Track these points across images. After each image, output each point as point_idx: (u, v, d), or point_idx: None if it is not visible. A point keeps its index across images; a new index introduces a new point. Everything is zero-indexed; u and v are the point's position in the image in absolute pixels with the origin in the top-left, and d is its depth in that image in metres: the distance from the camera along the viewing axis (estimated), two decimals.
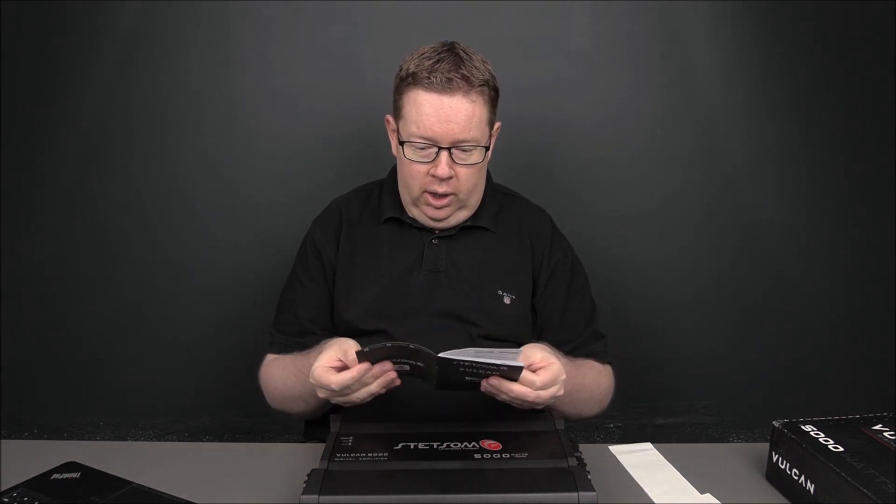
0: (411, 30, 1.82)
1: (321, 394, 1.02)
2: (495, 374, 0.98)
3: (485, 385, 0.99)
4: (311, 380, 1.01)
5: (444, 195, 1.19)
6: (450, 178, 1.17)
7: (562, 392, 1.03)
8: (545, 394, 0.99)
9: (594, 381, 1.23)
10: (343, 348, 1.02)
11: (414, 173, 1.19)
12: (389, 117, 1.24)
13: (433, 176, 1.17)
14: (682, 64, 1.96)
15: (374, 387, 1.00)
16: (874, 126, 1.99)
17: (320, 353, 1.04)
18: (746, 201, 2.02)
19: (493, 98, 1.19)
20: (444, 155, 1.15)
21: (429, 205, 1.21)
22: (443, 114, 1.13)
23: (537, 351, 1.03)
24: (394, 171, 1.29)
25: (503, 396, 1.01)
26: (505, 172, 1.42)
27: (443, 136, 1.14)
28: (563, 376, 1.02)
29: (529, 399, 0.99)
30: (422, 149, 1.16)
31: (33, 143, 1.97)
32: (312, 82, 1.95)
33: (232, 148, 1.99)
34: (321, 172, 1.96)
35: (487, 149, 1.19)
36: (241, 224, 2.01)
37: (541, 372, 1.00)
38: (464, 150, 1.16)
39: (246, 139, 1.98)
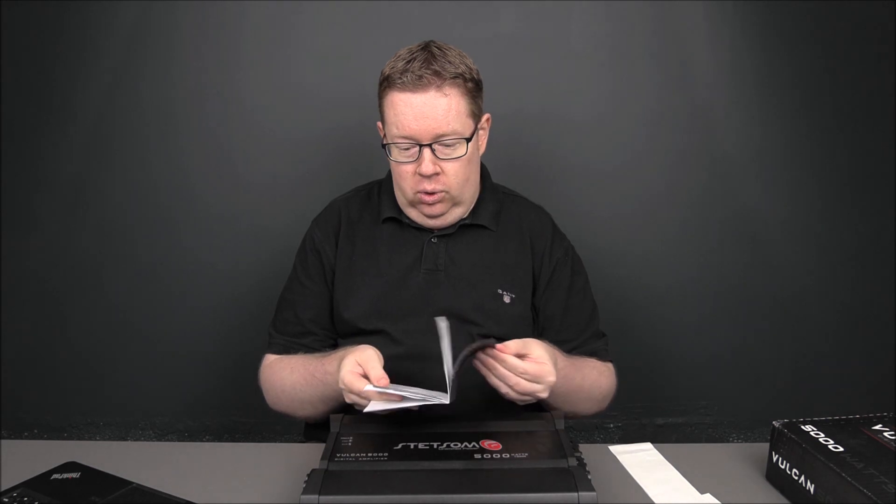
0: (412, 30, 1.81)
1: (348, 398, 1.05)
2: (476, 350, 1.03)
3: (478, 360, 1.05)
4: (340, 384, 1.04)
5: (435, 192, 1.19)
6: (437, 174, 1.17)
7: (545, 395, 1.06)
8: (526, 385, 1.03)
9: (594, 381, 1.24)
10: (365, 356, 1.04)
11: (403, 174, 1.20)
12: (380, 124, 1.25)
13: (420, 175, 1.17)
14: (680, 62, 1.96)
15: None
16: (873, 124, 1.99)
17: (342, 359, 1.06)
18: (746, 201, 2.02)
19: (473, 90, 1.19)
20: (426, 152, 1.16)
21: (423, 203, 1.21)
22: (418, 111, 1.14)
23: (537, 349, 1.05)
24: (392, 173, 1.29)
25: (493, 379, 1.05)
26: (502, 171, 1.41)
27: (422, 134, 1.15)
28: (551, 378, 1.05)
29: (511, 382, 1.03)
30: (405, 149, 1.17)
31: (34, 142, 1.97)
32: (313, 81, 1.95)
33: (232, 149, 1.99)
34: (322, 172, 1.96)
35: (469, 140, 1.19)
36: (241, 224, 2.01)
37: (528, 362, 1.03)
38: (446, 145, 1.16)
39: (246, 140, 1.98)
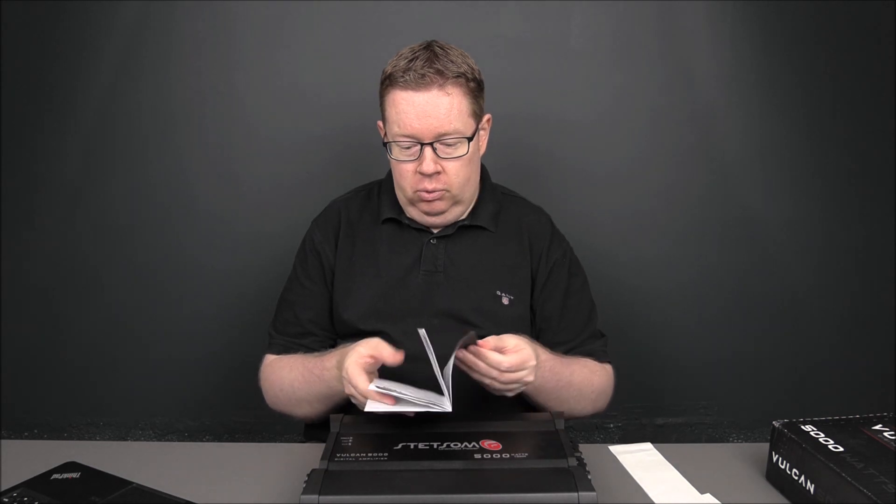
0: (411, 29, 1.80)
1: (347, 390, 1.05)
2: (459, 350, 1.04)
3: (458, 356, 1.05)
4: (343, 374, 1.04)
5: (436, 191, 1.19)
6: (438, 173, 1.17)
7: (531, 378, 1.07)
8: (511, 376, 1.05)
9: (584, 379, 1.23)
10: (373, 344, 1.06)
11: (403, 173, 1.20)
12: (380, 122, 1.25)
13: (421, 174, 1.17)
14: (681, 63, 1.96)
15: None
16: (874, 125, 1.99)
17: (344, 355, 1.07)
18: (746, 201, 2.02)
19: (475, 90, 1.19)
20: (427, 150, 1.16)
21: (423, 201, 1.21)
22: (420, 110, 1.14)
23: (512, 339, 1.07)
24: (391, 173, 1.29)
25: (475, 375, 1.07)
26: (502, 171, 1.42)
27: (423, 132, 1.15)
28: (533, 362, 1.07)
29: (493, 375, 1.05)
30: (406, 148, 1.17)
31: (33, 143, 1.97)
32: (313, 82, 1.95)
33: (232, 149, 1.99)
34: (321, 173, 1.96)
35: (471, 139, 1.19)
36: (241, 224, 2.01)
37: (508, 353, 1.04)
38: (448, 145, 1.17)
39: (246, 140, 1.98)
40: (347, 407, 1.13)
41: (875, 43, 1.95)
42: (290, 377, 1.21)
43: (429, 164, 1.16)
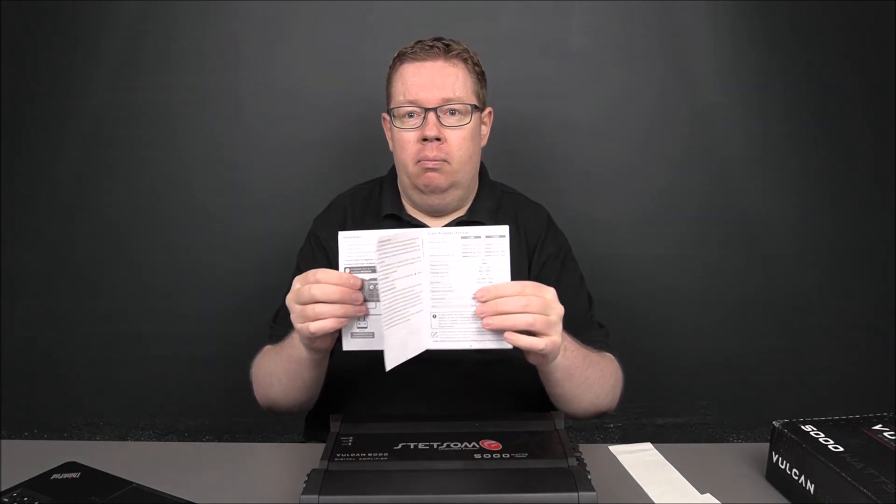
0: (411, 29, 1.79)
1: (296, 312, 0.98)
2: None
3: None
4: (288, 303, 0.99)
5: (437, 160, 1.19)
6: (439, 140, 1.18)
7: (561, 310, 0.99)
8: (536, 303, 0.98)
9: (598, 358, 1.19)
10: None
11: (405, 144, 1.20)
12: (385, 115, 1.26)
13: (424, 140, 1.18)
14: (681, 63, 1.96)
15: (328, 309, 0.95)
16: (873, 124, 1.99)
17: None
18: (746, 200, 2.02)
19: (479, 74, 1.24)
20: (431, 115, 1.18)
21: (424, 173, 1.20)
22: (426, 77, 1.18)
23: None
24: (394, 170, 1.29)
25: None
26: (502, 170, 1.41)
27: (428, 98, 1.18)
28: (553, 292, 1.00)
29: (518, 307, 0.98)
30: (410, 116, 1.19)
31: (34, 142, 1.97)
32: (313, 81, 1.95)
33: (233, 148, 1.99)
34: (322, 171, 1.96)
35: (476, 109, 1.21)
36: (241, 224, 2.01)
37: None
38: (451, 113, 1.19)
39: (246, 139, 1.99)
40: (344, 406, 1.12)
41: (875, 42, 1.95)
42: (269, 354, 1.20)
43: (432, 128, 1.18)
